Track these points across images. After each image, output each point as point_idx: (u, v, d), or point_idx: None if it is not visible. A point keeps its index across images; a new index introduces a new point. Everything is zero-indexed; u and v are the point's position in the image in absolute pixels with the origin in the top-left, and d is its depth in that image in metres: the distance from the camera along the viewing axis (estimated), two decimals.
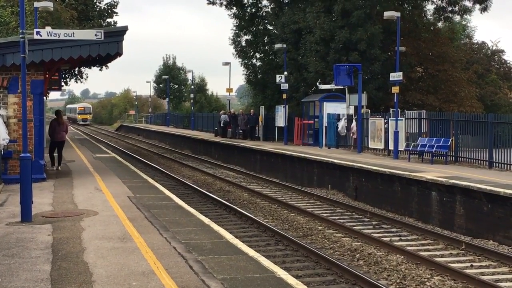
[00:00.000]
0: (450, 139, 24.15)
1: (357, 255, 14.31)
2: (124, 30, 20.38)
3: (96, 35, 15.70)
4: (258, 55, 48.00)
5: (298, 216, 19.43)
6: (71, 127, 75.74)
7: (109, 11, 47.53)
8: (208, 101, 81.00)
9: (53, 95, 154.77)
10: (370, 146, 29.48)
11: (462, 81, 40.59)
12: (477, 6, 40.35)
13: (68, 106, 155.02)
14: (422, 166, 22.87)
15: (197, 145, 46.76)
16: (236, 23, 47.34)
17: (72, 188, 18.59)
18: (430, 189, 18.95)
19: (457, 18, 46.05)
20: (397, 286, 12.02)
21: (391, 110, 29.20)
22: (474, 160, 23.36)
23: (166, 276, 8.98)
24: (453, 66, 40.36)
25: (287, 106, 37.56)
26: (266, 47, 46.71)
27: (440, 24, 44.51)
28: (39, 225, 12.85)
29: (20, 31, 14.04)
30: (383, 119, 28.55)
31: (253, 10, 47.47)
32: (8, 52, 18.83)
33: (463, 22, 56.00)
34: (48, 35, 15.05)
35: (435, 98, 38.60)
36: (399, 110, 27.70)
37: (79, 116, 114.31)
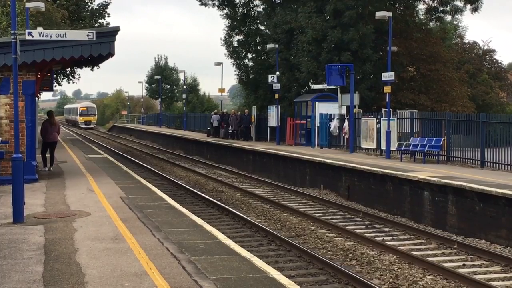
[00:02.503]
0: (442, 139, 24.21)
1: (349, 255, 14.33)
2: (116, 30, 20.35)
3: (88, 35, 15.69)
4: (250, 55, 48.01)
5: (290, 216, 19.44)
6: (63, 128, 75.44)
7: (101, 12, 47.43)
8: (201, 101, 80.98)
9: (45, 95, 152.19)
10: (362, 146, 29.53)
11: (453, 81, 40.69)
12: (468, 6, 40.48)
13: (67, 106, 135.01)
14: (414, 166, 22.92)
15: (190, 145, 46.73)
16: (228, 23, 47.34)
17: (64, 189, 18.55)
18: (423, 189, 18.99)
19: (448, 18, 46.18)
20: (390, 286, 12.05)
21: (383, 110, 29.26)
22: (466, 160, 23.43)
23: (159, 276, 8.97)
24: (445, 66, 40.45)
25: (279, 106, 37.59)
26: (258, 47, 46.72)
27: (431, 24, 44.62)
28: (31, 226, 12.81)
29: (12, 31, 14.00)
30: (375, 119, 28.60)
31: (245, 10, 47.44)
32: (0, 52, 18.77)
33: (454, 22, 56.16)
34: (40, 36, 15.04)
35: (427, 98, 38.68)
36: (391, 110, 27.75)
37: (81, 118, 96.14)
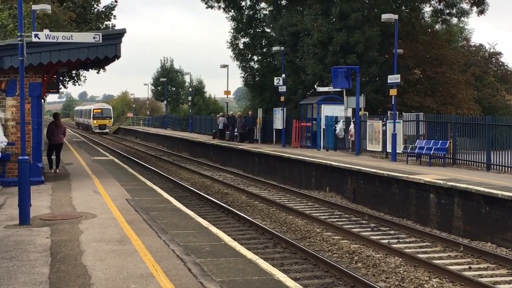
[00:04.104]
0: (448, 142, 24.17)
1: (355, 258, 14.32)
2: (122, 32, 20.40)
3: (94, 37, 15.72)
4: (256, 58, 47.99)
5: (296, 218, 19.44)
6: (69, 130, 75.28)
7: (107, 14, 47.51)
8: (206, 103, 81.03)
9: (51, 97, 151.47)
10: (368, 149, 29.49)
11: (459, 84, 40.61)
12: (474, 9, 40.45)
13: (78, 108, 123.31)
14: (420, 169, 22.89)
15: (195, 147, 46.76)
16: (234, 25, 47.37)
17: (70, 190, 18.59)
18: (428, 192, 18.96)
19: (454, 20, 46.12)
20: None
21: (389, 112, 29.21)
22: (472, 163, 23.38)
23: (165, 278, 8.98)
24: (451, 69, 40.38)
25: (285, 108, 37.56)
26: (264, 50, 46.69)
27: (437, 27, 44.58)
28: (37, 228, 12.85)
29: (19, 34, 14.05)
30: (381, 121, 28.56)
31: (251, 12, 47.45)
32: (6, 55, 18.85)
33: (460, 25, 56.08)
34: (46, 38, 15.08)
35: (432, 100, 38.62)
36: (397, 113, 27.71)
37: (95, 121, 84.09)
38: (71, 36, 15.55)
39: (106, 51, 19.86)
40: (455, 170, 22.60)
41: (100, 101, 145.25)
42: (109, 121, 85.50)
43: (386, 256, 14.40)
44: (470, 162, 23.53)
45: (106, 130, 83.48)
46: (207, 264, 9.84)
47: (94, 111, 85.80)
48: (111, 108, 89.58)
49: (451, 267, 13.32)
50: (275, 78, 37.29)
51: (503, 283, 12.44)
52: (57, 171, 23.91)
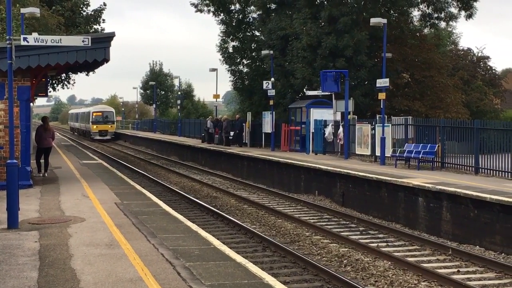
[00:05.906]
0: (437, 145, 24.25)
1: (344, 261, 14.35)
2: (111, 36, 20.35)
3: (83, 41, 15.70)
4: (245, 62, 48.01)
5: (285, 222, 19.45)
6: (57, 133, 74.61)
7: (96, 18, 47.49)
8: (195, 107, 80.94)
9: (40, 101, 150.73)
10: (357, 152, 29.55)
11: (448, 87, 40.76)
12: (463, 13, 40.64)
13: (73, 111, 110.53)
14: (408, 172, 22.96)
15: (184, 151, 46.70)
16: (223, 29, 47.40)
17: (59, 194, 18.52)
18: (417, 195, 19.03)
19: (442, 24, 46.32)
20: None
21: (377, 116, 29.28)
22: (461, 166, 23.47)
23: (154, 282, 8.97)
24: (439, 73, 40.53)
25: (274, 112, 37.60)
26: (253, 54, 46.75)
27: (426, 31, 44.75)
28: (26, 232, 12.79)
29: (7, 37, 13.99)
30: (369, 125, 28.62)
31: (240, 16, 47.50)
32: None
33: (449, 29, 56.31)
34: (35, 41, 15.03)
35: (421, 104, 38.75)
36: (386, 116, 27.79)
37: (95, 126, 73.23)
38: (60, 39, 15.50)
39: (95, 54, 19.81)
40: (443, 173, 22.69)
41: (90, 105, 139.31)
42: (111, 126, 74.28)
43: (375, 260, 14.44)
44: (458, 166, 23.62)
45: (108, 137, 72.69)
46: (197, 268, 9.84)
47: (94, 114, 74.34)
48: (113, 111, 77.50)
49: (439, 271, 13.37)
50: (264, 82, 37.29)
51: (491, 286, 12.50)
52: (46, 174, 23.83)
